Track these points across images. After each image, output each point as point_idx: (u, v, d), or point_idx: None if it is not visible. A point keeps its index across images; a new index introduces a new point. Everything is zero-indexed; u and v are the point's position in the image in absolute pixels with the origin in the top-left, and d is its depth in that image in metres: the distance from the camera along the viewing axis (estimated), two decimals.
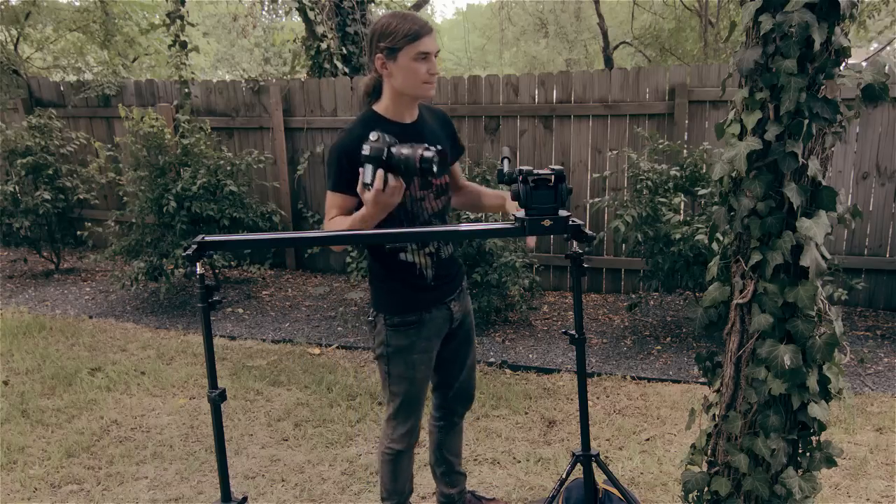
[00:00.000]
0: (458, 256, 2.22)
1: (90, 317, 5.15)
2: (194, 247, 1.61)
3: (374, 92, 2.01)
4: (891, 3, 7.98)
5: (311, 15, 7.18)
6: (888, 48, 12.07)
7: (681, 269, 4.20)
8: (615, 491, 2.16)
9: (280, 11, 9.19)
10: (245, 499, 1.86)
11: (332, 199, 1.94)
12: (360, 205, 1.84)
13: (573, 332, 2.00)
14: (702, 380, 3.77)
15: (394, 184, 1.74)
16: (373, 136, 1.74)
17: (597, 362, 4.17)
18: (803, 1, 1.48)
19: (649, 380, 3.90)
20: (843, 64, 1.59)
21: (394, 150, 1.73)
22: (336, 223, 1.91)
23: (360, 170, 1.75)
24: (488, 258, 4.51)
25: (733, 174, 1.68)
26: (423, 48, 1.87)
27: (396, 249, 2.02)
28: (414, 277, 2.06)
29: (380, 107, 1.99)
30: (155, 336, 4.72)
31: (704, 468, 1.91)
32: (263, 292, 5.74)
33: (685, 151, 4.74)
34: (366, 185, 1.74)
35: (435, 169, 1.72)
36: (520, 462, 3.03)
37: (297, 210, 6.27)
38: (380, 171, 1.72)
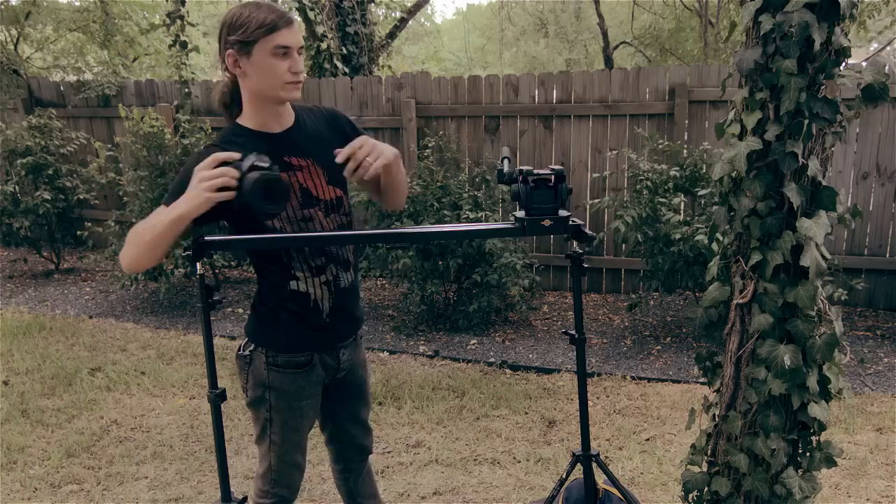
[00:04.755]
0: (359, 290, 1.88)
1: (90, 317, 5.15)
2: (194, 247, 1.61)
3: (233, 102, 1.71)
4: (891, 3, 7.98)
5: (311, 15, 7.18)
6: (888, 48, 12.07)
7: (681, 269, 4.20)
8: (615, 491, 2.16)
9: None
10: (245, 499, 1.86)
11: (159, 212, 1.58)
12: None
13: (573, 332, 1.99)
14: (702, 380, 3.76)
15: (228, 173, 1.45)
16: (254, 156, 1.50)
17: (597, 362, 4.17)
18: (803, 1, 1.48)
19: (649, 380, 3.90)
20: (843, 64, 1.59)
21: (249, 175, 1.48)
22: (147, 219, 1.58)
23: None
24: (488, 258, 4.51)
25: (733, 174, 1.68)
26: (281, 41, 1.57)
27: (287, 276, 1.70)
28: (307, 310, 1.73)
29: (244, 119, 1.68)
30: (155, 336, 4.72)
31: (704, 468, 1.91)
32: None
33: (685, 151, 4.74)
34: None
35: (256, 204, 1.45)
36: (520, 462, 3.03)
37: None
38: (224, 155, 1.48)
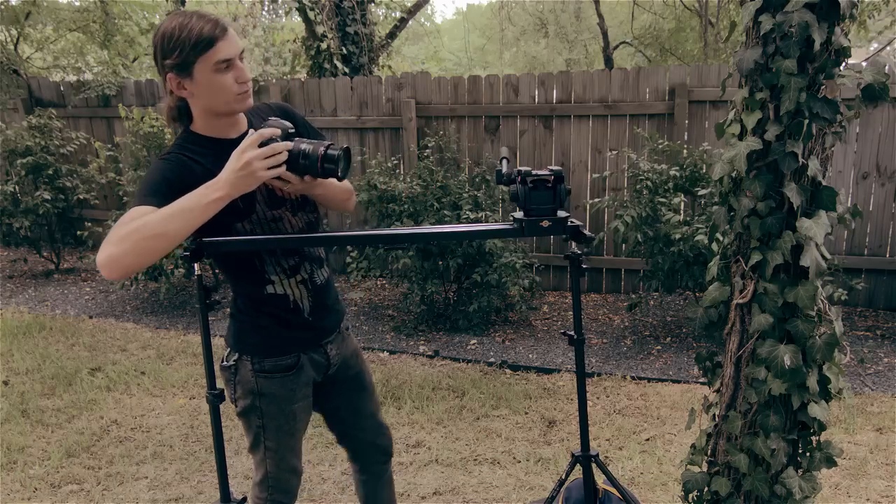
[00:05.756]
0: (334, 285, 1.87)
1: (90, 317, 5.15)
2: (193, 247, 1.61)
3: (182, 115, 1.63)
4: (891, 3, 7.97)
5: (311, 15, 7.19)
6: (888, 48, 12.07)
7: (681, 269, 4.20)
8: (615, 491, 2.16)
9: (280, 11, 9.19)
10: (245, 499, 1.86)
11: (140, 212, 1.45)
12: None
13: (572, 332, 1.99)
14: (702, 380, 3.77)
15: (275, 148, 1.44)
16: (272, 119, 1.53)
17: (597, 362, 4.17)
18: (803, 1, 1.48)
19: (649, 380, 3.90)
20: (843, 64, 1.59)
21: (293, 141, 1.49)
22: (135, 223, 1.41)
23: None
24: (488, 258, 4.51)
25: (733, 174, 1.68)
26: (220, 56, 1.48)
27: (262, 282, 1.68)
28: (287, 312, 1.70)
29: (196, 126, 1.62)
30: (155, 336, 4.72)
31: (704, 468, 1.91)
32: None
33: (685, 151, 4.74)
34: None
35: (339, 171, 1.48)
36: (520, 462, 3.02)
37: None
38: (276, 130, 1.46)
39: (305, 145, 1.48)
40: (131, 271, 1.44)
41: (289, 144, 1.48)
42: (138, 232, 1.41)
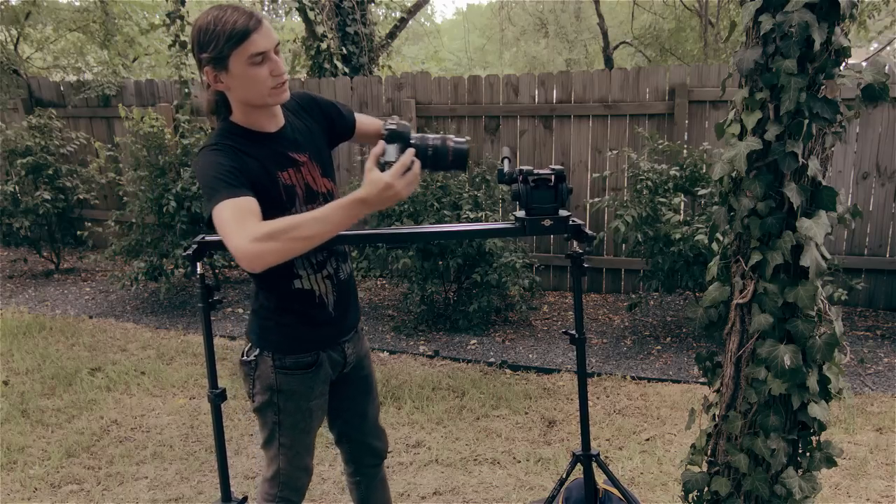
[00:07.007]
0: (355, 282, 1.88)
1: (90, 317, 5.15)
2: (194, 247, 1.61)
3: (220, 108, 1.65)
4: (891, 3, 7.98)
5: (311, 15, 7.19)
6: (888, 48, 12.07)
7: (681, 269, 4.20)
8: (615, 491, 2.16)
9: (280, 11, 9.19)
10: (245, 499, 1.86)
11: (244, 205, 1.46)
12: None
13: (573, 331, 1.99)
14: (702, 380, 3.77)
15: (416, 171, 1.47)
16: (392, 118, 1.56)
17: (597, 362, 4.17)
18: (803, 1, 1.48)
19: (649, 380, 3.90)
20: (843, 64, 1.59)
21: (417, 136, 1.52)
22: (282, 222, 1.43)
23: (381, 148, 1.49)
24: (488, 258, 4.51)
25: (733, 174, 1.68)
26: (254, 49, 1.49)
27: (290, 276, 1.67)
28: (313, 308, 1.71)
29: (236, 117, 1.63)
30: (155, 336, 4.72)
31: (704, 468, 1.91)
32: None
33: (685, 151, 4.74)
34: (385, 164, 1.45)
35: (467, 164, 1.57)
36: (520, 462, 3.03)
37: None
38: (410, 150, 1.47)
39: (432, 141, 1.54)
40: (267, 266, 1.44)
41: (418, 162, 1.49)
42: (289, 232, 1.41)
